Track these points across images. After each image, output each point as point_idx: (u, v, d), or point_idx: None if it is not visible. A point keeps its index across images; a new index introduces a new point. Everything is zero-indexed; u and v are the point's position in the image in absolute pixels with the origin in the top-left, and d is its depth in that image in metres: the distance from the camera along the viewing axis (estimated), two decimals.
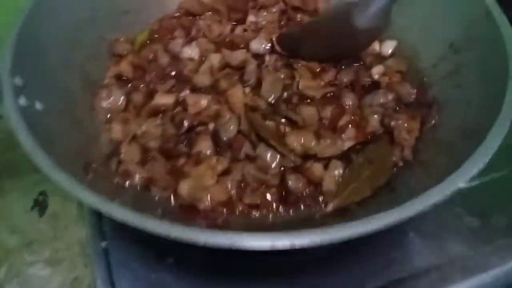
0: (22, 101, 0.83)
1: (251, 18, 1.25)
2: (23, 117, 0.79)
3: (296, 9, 1.28)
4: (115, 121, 1.03)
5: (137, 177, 0.93)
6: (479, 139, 0.81)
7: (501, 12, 0.93)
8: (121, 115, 1.05)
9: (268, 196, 0.93)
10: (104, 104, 1.06)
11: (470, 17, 0.99)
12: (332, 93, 1.08)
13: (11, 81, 0.83)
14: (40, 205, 1.20)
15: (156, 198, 0.91)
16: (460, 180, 0.71)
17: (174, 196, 0.92)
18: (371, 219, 0.66)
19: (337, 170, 0.93)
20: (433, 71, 1.07)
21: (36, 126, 0.80)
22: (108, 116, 1.05)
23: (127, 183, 0.92)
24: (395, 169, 0.94)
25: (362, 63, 1.14)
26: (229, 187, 0.93)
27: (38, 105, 0.87)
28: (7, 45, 0.87)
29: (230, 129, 0.99)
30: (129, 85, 1.11)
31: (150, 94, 1.09)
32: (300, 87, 1.07)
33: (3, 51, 0.86)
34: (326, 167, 0.95)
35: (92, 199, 0.69)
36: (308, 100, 1.07)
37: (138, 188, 0.93)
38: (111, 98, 1.07)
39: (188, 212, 0.89)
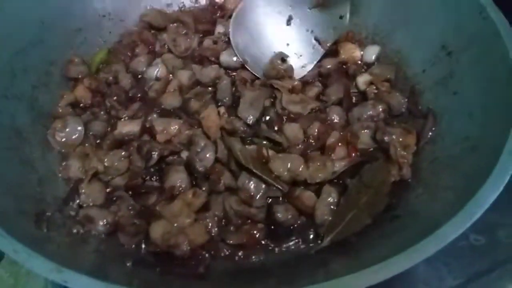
0: None
1: (219, 28, 1.13)
2: None
3: None
4: (72, 157, 0.89)
5: (100, 224, 0.80)
6: (487, 153, 0.73)
7: (496, 8, 0.84)
8: (79, 149, 0.92)
9: (255, 233, 0.81)
10: (59, 137, 0.92)
11: (462, 15, 0.89)
12: (316, 109, 0.97)
13: None
14: None
15: (125, 247, 0.78)
16: (478, 209, 0.62)
17: (145, 242, 0.79)
18: (386, 265, 0.56)
19: (331, 197, 0.82)
20: (423, 77, 0.97)
21: None
22: (64, 151, 0.92)
23: (89, 231, 0.79)
24: (394, 191, 0.83)
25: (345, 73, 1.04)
26: (210, 225, 0.81)
27: None
28: None
29: (206, 158, 0.88)
30: (87, 113, 0.98)
31: (112, 122, 0.96)
32: (283, 103, 0.96)
33: None
34: (317, 194, 0.83)
35: (45, 268, 0.56)
36: (290, 119, 0.96)
37: (103, 236, 0.80)
38: (67, 130, 0.93)
39: (163, 261, 0.76)
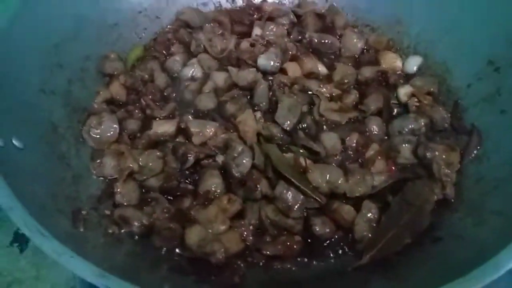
0: None
1: (256, 31, 1.11)
2: None
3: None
4: (107, 155, 0.88)
5: (135, 225, 0.79)
6: None
7: None
8: (113, 147, 0.90)
9: (292, 245, 0.79)
10: (94, 134, 0.91)
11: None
12: (355, 118, 0.95)
13: None
14: (21, 240, 1.03)
15: (159, 251, 0.76)
16: None
17: (181, 247, 0.78)
18: None
19: (371, 213, 0.80)
20: (468, 92, 0.94)
21: (13, 170, 0.66)
22: (98, 149, 0.90)
23: (124, 232, 0.77)
24: (436, 211, 0.80)
25: (385, 83, 1.01)
26: (245, 234, 0.79)
27: (16, 143, 0.72)
28: None
29: (243, 163, 0.86)
30: (122, 110, 0.96)
31: (147, 121, 0.95)
32: (321, 110, 0.93)
33: None
34: (356, 208, 0.81)
35: (89, 272, 0.55)
36: (328, 127, 0.94)
37: (137, 238, 0.78)
38: (102, 127, 0.91)
39: (198, 269, 0.74)
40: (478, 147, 0.86)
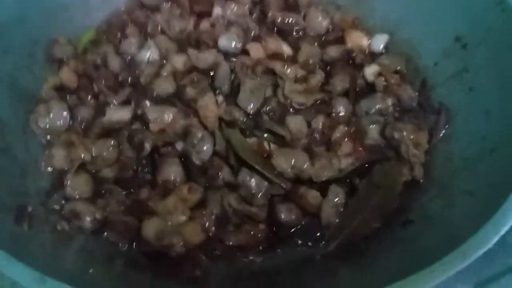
0: None
1: (217, 10, 1.05)
2: None
3: None
4: (57, 145, 0.82)
5: (87, 220, 0.73)
6: (509, 156, 0.68)
7: None
8: (64, 136, 0.84)
9: (256, 234, 0.74)
10: (42, 123, 0.84)
11: (480, 5, 0.83)
12: (321, 100, 0.91)
13: None
14: None
15: (113, 246, 0.71)
16: (507, 221, 0.57)
17: (137, 241, 0.72)
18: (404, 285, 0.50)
19: (338, 198, 0.77)
20: (436, 70, 0.92)
21: None
22: (48, 138, 0.84)
23: (74, 228, 0.72)
24: (405, 192, 0.77)
25: (351, 62, 0.98)
26: (206, 224, 0.75)
27: None
28: None
29: (203, 150, 0.81)
30: (73, 97, 0.89)
31: (100, 108, 0.88)
32: (286, 92, 0.89)
33: None
34: (322, 193, 0.78)
35: (27, 277, 0.49)
36: (293, 110, 0.90)
37: (90, 233, 0.73)
38: (51, 115, 0.85)
39: (157, 263, 0.69)
40: (446, 126, 0.84)
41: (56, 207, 0.75)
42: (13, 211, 0.68)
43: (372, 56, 1.00)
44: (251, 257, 0.74)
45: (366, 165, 0.80)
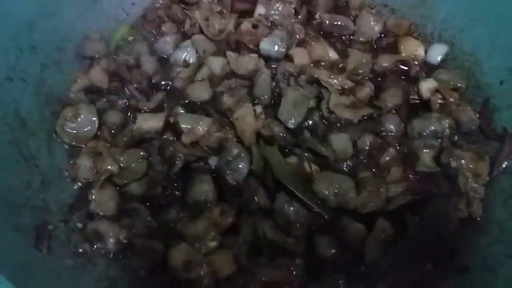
0: None
1: (260, 10, 0.97)
2: None
3: None
4: (83, 155, 0.76)
5: (110, 242, 0.68)
6: None
7: None
8: (91, 144, 0.78)
9: (291, 269, 0.68)
10: (69, 128, 0.79)
11: None
12: (369, 116, 0.83)
13: None
14: None
15: (137, 273, 0.66)
16: None
17: (163, 268, 0.67)
18: None
19: (385, 234, 0.69)
20: (501, 89, 0.82)
21: None
22: (73, 146, 0.79)
23: (97, 251, 0.67)
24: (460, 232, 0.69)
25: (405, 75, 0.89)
26: (238, 253, 0.69)
27: None
28: None
29: (239, 169, 0.75)
30: (103, 100, 0.84)
31: (131, 114, 0.83)
32: (331, 105, 0.81)
33: None
34: (368, 227, 0.70)
35: None
36: (338, 127, 0.82)
37: (111, 256, 0.68)
38: (79, 120, 0.80)
39: None
40: (511, 157, 0.74)
41: (79, 225, 0.70)
42: (33, 231, 0.63)
43: (429, 69, 0.90)
44: None
45: (418, 198, 0.72)
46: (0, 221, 0.59)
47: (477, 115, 0.82)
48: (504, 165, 0.75)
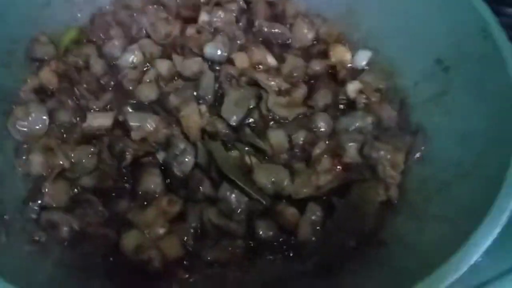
0: None
1: (204, 17, 1.04)
2: None
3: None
4: (35, 150, 0.80)
5: (64, 230, 0.72)
6: (482, 184, 0.70)
7: (499, 27, 0.80)
8: (42, 141, 0.82)
9: (234, 249, 0.75)
10: (20, 127, 0.83)
11: (462, 31, 0.85)
12: (303, 114, 0.92)
13: None
14: None
15: (91, 259, 0.71)
16: (476, 250, 0.59)
17: (114, 254, 0.72)
18: None
19: (315, 216, 0.78)
20: (416, 90, 0.93)
21: None
22: (25, 144, 0.82)
23: (51, 239, 0.71)
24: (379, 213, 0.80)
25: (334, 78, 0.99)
26: (185, 238, 0.75)
27: None
28: None
29: (185, 162, 0.81)
30: (53, 100, 0.88)
31: (81, 113, 0.87)
32: (269, 105, 0.90)
33: None
34: (300, 210, 0.79)
35: None
36: (275, 124, 0.91)
37: (66, 244, 0.72)
38: (29, 119, 0.84)
39: (135, 278, 0.70)
40: (423, 148, 0.86)
41: (33, 216, 0.74)
42: None
43: (355, 72, 1.01)
44: (228, 272, 0.74)
45: (344, 184, 0.82)
46: None
47: (396, 113, 0.93)
48: (417, 155, 0.86)
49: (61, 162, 0.79)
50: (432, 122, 0.87)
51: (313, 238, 0.77)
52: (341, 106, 0.96)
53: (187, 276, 0.73)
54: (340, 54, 1.02)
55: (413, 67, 0.95)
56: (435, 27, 0.90)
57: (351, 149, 0.88)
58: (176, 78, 0.96)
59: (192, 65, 0.94)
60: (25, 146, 0.82)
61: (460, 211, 0.69)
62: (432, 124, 0.87)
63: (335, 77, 1.00)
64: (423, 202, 0.78)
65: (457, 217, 0.69)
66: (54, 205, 0.76)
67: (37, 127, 0.84)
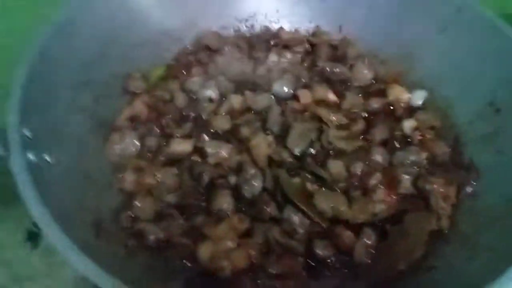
0: (31, 155, 0.75)
1: (273, 57, 1.17)
2: (30, 176, 0.71)
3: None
4: (128, 170, 0.94)
5: (151, 238, 0.85)
6: None
7: None
8: (134, 162, 0.96)
9: (295, 265, 0.84)
10: (116, 149, 0.97)
11: None
12: (361, 147, 1.01)
13: (19, 134, 0.74)
14: (34, 237, 1.06)
15: (172, 265, 0.83)
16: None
17: (191, 261, 0.84)
18: None
19: (370, 240, 0.86)
20: (469, 128, 1.00)
21: (44, 184, 0.72)
22: (120, 164, 0.97)
23: (139, 245, 0.84)
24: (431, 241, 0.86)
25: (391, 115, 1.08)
26: (252, 252, 0.85)
27: (47, 158, 0.79)
28: (13, 94, 0.77)
29: (254, 186, 0.92)
30: (143, 127, 1.02)
31: (166, 139, 1.01)
32: (329, 137, 0.99)
33: (9, 101, 0.77)
34: (356, 234, 0.87)
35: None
36: (334, 155, 1.00)
37: (151, 251, 0.85)
38: (124, 142, 0.98)
39: (208, 283, 0.80)
40: (474, 183, 0.92)
41: (125, 225, 0.86)
42: (92, 226, 0.80)
43: (411, 110, 1.09)
44: (288, 285, 0.83)
45: (398, 213, 0.89)
46: (72, 218, 0.75)
47: (449, 149, 1.00)
48: (469, 190, 0.92)
49: (149, 181, 0.92)
50: (484, 159, 0.93)
51: (367, 260, 0.84)
52: (397, 142, 1.04)
53: (252, 285, 0.82)
54: (397, 93, 1.11)
55: (467, 107, 1.02)
56: (489, 71, 0.97)
57: (406, 181, 0.95)
58: (247, 111, 1.08)
59: (261, 100, 1.06)
60: (119, 166, 0.96)
61: (507, 245, 0.75)
62: (485, 161, 0.93)
63: (392, 114, 1.08)
64: (473, 234, 0.84)
65: (504, 247, 0.74)
66: (142, 217, 0.88)
67: (130, 150, 0.98)
